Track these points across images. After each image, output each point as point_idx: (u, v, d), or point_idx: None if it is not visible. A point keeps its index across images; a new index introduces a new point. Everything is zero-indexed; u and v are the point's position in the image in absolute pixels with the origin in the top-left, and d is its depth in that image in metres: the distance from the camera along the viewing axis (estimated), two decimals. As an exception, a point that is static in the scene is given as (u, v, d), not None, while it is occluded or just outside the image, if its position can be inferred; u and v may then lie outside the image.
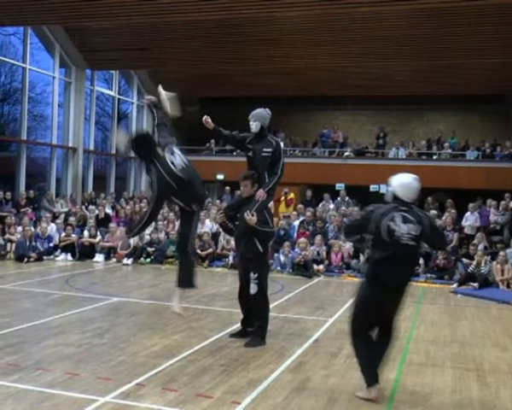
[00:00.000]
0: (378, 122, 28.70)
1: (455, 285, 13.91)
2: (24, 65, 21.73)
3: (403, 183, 5.77)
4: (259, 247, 7.71)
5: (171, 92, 7.96)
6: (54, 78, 23.09)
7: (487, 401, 6.00)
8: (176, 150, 7.09)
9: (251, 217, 7.57)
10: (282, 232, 16.55)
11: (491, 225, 18.14)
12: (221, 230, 15.76)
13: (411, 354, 7.73)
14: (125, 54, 23.36)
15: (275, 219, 11.04)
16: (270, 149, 7.87)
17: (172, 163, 6.90)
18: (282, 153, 8.06)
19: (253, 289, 7.68)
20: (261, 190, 7.73)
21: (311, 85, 25.47)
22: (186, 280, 7.23)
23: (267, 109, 8.13)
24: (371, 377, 5.78)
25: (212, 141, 26.59)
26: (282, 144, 8.29)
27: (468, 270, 14.25)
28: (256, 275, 7.68)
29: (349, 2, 16.03)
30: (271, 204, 9.32)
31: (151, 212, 6.93)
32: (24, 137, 21.85)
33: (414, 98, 26.92)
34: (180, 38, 21.39)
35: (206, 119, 8.23)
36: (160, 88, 8.04)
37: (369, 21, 18.81)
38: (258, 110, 8.10)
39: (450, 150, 25.79)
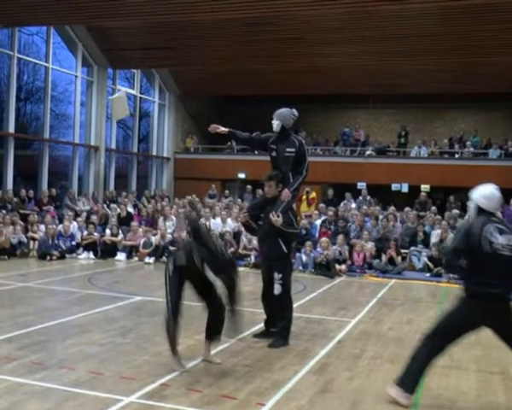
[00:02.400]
0: (400, 121, 28.60)
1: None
2: (47, 64, 21.91)
3: (485, 194, 5.66)
4: (284, 247, 7.69)
5: (120, 93, 7.83)
6: (76, 77, 23.24)
7: (514, 405, 5.92)
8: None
9: (276, 218, 7.54)
10: (303, 232, 16.48)
11: (515, 225, 17.92)
12: (243, 229, 15.79)
13: (435, 356, 7.65)
14: (147, 53, 23.42)
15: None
16: (293, 149, 7.83)
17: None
18: (307, 152, 8.02)
19: (277, 289, 7.65)
20: (286, 190, 7.68)
21: (333, 84, 25.40)
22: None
23: (293, 110, 8.04)
24: (416, 387, 5.67)
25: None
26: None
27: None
28: (280, 275, 7.65)
29: (372, 0, 15.93)
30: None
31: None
32: (46, 135, 22.02)
33: (436, 96, 26.78)
34: (203, 37, 21.37)
35: (214, 128, 8.21)
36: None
37: (393, 19, 18.68)
38: (283, 110, 8.05)
39: (472, 149, 25.56)
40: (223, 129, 8.23)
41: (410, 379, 5.66)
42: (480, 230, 5.42)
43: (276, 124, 7.94)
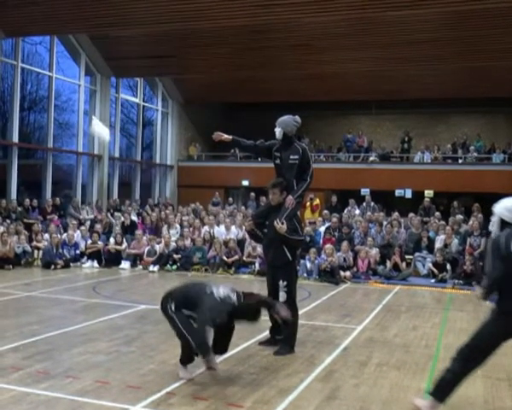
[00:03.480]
0: (403, 126, 28.57)
1: (483, 291, 13.69)
2: (50, 73, 21.97)
3: (508, 207, 5.61)
4: (288, 255, 7.67)
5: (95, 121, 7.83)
6: (79, 86, 23.30)
7: (521, 412, 5.90)
8: None
9: (281, 225, 7.53)
10: (307, 239, 16.47)
11: (519, 230, 17.86)
12: (247, 237, 15.79)
13: (441, 362, 7.59)
14: (149, 61, 23.50)
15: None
16: (296, 156, 7.81)
17: None
18: (311, 159, 7.99)
19: (282, 297, 7.63)
20: (290, 197, 7.67)
21: (336, 90, 25.44)
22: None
23: (296, 117, 8.02)
24: (447, 397, 5.60)
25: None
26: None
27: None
28: (285, 283, 7.64)
29: (376, 7, 15.95)
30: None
31: None
32: (50, 144, 22.07)
33: (438, 101, 26.75)
34: (206, 45, 21.43)
35: (217, 136, 8.21)
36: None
37: (395, 26, 18.74)
38: (284, 117, 8.03)
39: (475, 154, 25.51)
40: (226, 136, 8.23)
41: (442, 389, 5.57)
42: (506, 241, 5.35)
43: (278, 131, 7.93)
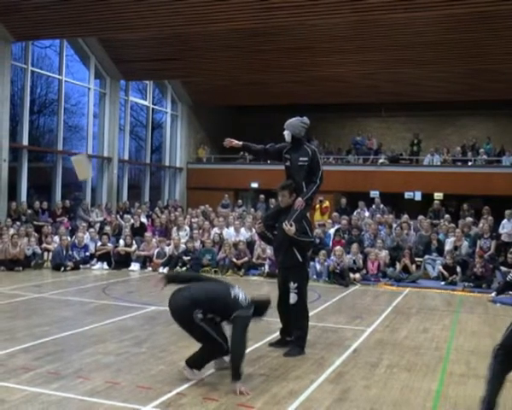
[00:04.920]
0: (412, 129, 28.55)
1: (493, 294, 13.64)
2: (60, 77, 22.08)
3: None
4: (299, 256, 7.67)
5: (81, 155, 7.90)
6: (89, 89, 23.39)
7: (534, 414, 5.86)
8: None
9: (289, 227, 7.53)
10: (317, 241, 16.45)
11: (529, 233, 17.79)
12: (257, 239, 15.80)
13: (452, 364, 7.60)
14: (158, 64, 23.55)
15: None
16: (305, 158, 7.81)
17: None
18: (320, 161, 7.98)
19: (293, 298, 7.64)
20: (300, 199, 7.68)
21: (345, 93, 25.45)
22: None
23: (304, 118, 8.02)
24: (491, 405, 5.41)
25: (246, 149, 26.58)
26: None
27: (507, 278, 13.97)
28: (296, 285, 7.64)
29: (381, 9, 15.96)
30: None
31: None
32: (60, 147, 22.17)
33: (448, 104, 26.70)
34: (214, 48, 21.50)
35: (228, 142, 8.23)
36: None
37: (402, 28, 18.74)
38: (292, 119, 8.03)
39: (485, 156, 25.42)
40: (237, 142, 8.26)
41: (488, 399, 5.41)
42: None
43: (286, 134, 7.94)
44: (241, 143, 8.28)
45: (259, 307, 6.54)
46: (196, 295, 6.34)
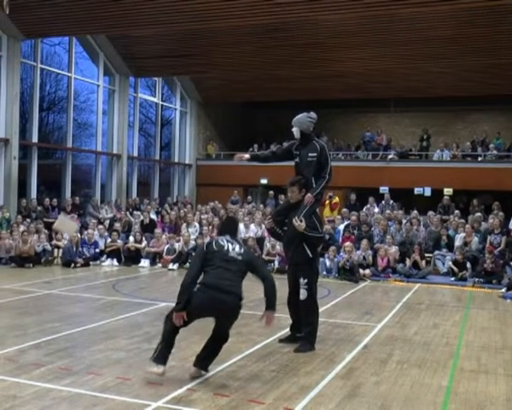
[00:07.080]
0: (421, 124, 28.40)
1: (504, 290, 13.60)
2: (69, 74, 22.13)
3: None
4: (309, 252, 7.67)
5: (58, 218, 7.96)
6: (98, 86, 23.43)
7: (545, 410, 5.83)
8: None
9: (299, 223, 7.53)
10: (327, 237, 16.43)
11: (540, 228, 17.71)
12: (266, 235, 15.79)
13: (462, 360, 7.58)
14: (168, 61, 23.57)
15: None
16: (314, 154, 7.81)
17: None
18: (329, 156, 7.97)
19: (303, 294, 7.64)
20: (309, 195, 7.68)
21: (354, 88, 25.38)
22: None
23: (311, 113, 8.03)
24: None
25: (256, 146, 26.50)
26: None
27: (518, 274, 13.94)
28: (306, 281, 7.65)
29: (393, 4, 15.89)
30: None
31: None
32: (69, 144, 22.22)
33: (457, 99, 26.55)
34: (224, 44, 21.47)
35: (238, 158, 8.34)
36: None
37: (413, 22, 18.65)
38: (299, 115, 8.04)
39: (495, 151, 25.28)
40: (246, 156, 8.38)
41: None
42: None
43: (295, 131, 7.96)
44: (248, 155, 8.38)
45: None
46: (239, 290, 6.56)
